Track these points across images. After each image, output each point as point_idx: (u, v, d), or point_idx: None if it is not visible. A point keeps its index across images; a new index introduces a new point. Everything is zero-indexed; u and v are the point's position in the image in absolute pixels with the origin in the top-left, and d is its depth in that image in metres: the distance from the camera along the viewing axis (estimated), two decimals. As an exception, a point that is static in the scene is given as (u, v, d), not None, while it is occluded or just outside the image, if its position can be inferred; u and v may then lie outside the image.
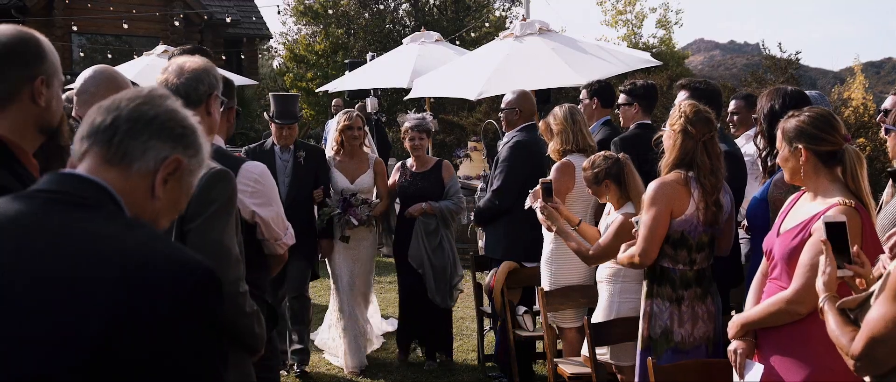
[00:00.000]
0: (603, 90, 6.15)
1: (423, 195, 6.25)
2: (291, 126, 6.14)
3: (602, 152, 4.67)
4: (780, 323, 3.10)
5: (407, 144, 6.42)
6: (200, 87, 2.91)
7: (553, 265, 5.13)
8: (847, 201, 2.96)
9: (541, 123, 5.45)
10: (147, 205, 1.60)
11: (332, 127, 6.61)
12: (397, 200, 6.59)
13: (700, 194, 3.77)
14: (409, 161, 6.52)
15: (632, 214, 4.28)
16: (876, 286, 2.37)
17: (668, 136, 3.86)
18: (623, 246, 4.04)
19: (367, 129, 6.55)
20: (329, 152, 6.52)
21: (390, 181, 6.57)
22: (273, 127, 6.16)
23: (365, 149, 6.49)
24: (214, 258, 2.72)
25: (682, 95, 4.65)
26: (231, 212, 2.80)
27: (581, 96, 6.17)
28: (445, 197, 6.29)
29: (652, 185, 3.81)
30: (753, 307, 3.26)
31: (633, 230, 4.03)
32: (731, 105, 5.87)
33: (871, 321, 2.26)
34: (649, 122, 5.63)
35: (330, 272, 6.48)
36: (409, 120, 6.48)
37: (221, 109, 3.08)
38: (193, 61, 2.98)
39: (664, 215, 3.73)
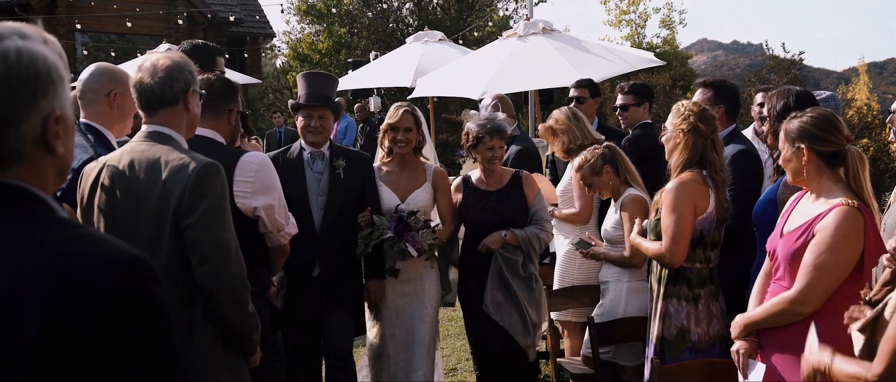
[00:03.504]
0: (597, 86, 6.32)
1: (502, 221, 4.59)
2: (323, 114, 4.46)
3: (588, 148, 4.81)
4: (782, 324, 3.10)
5: (483, 155, 4.63)
6: (176, 84, 2.88)
7: (558, 265, 5.15)
8: (850, 201, 2.96)
9: (541, 128, 5.50)
10: (51, 171, 1.46)
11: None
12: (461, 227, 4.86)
13: (715, 192, 3.78)
14: (476, 175, 4.78)
15: (637, 195, 4.32)
16: (890, 299, 2.36)
17: (675, 136, 3.84)
18: (636, 225, 4.07)
19: (425, 132, 4.85)
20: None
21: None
22: (299, 120, 4.53)
23: (422, 158, 4.80)
24: (215, 254, 2.71)
25: (702, 94, 4.63)
26: (225, 205, 2.79)
27: (577, 94, 6.20)
28: (530, 222, 4.65)
29: (671, 186, 3.79)
30: (756, 308, 3.26)
31: (642, 224, 4.03)
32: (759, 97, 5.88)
33: (892, 337, 2.24)
34: (650, 121, 5.68)
35: (371, 325, 4.73)
36: (480, 121, 4.69)
37: (201, 104, 3.06)
38: (167, 58, 2.95)
39: (690, 215, 3.73)
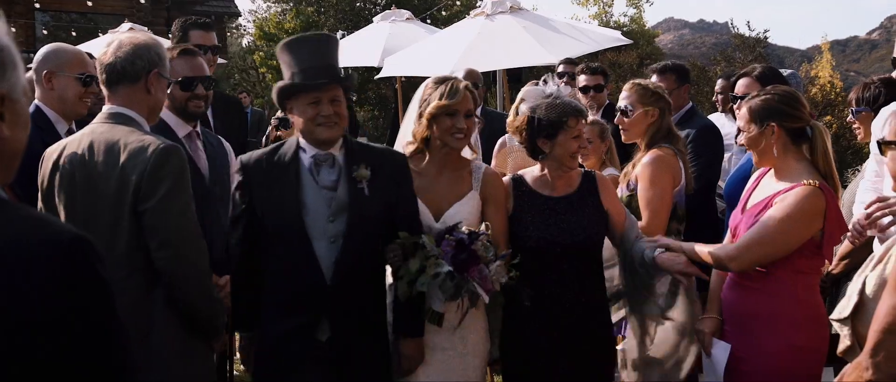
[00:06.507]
0: None
1: (576, 242, 3.29)
2: (336, 96, 3.03)
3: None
4: (704, 261, 3.15)
5: (566, 147, 3.32)
6: (137, 62, 2.84)
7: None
8: (812, 181, 3.00)
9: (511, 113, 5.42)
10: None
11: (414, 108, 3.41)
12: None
13: (684, 165, 3.88)
14: (531, 175, 3.47)
15: (616, 175, 4.38)
16: (868, 279, 2.40)
17: (651, 113, 3.92)
18: None
19: (478, 116, 3.52)
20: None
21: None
22: (296, 114, 3.07)
23: (468, 151, 3.46)
24: (176, 238, 2.67)
25: (666, 80, 4.87)
26: (186, 188, 2.74)
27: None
28: (621, 241, 3.43)
29: (649, 160, 3.84)
30: (702, 247, 3.24)
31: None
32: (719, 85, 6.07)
33: (881, 314, 2.29)
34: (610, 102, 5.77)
35: None
36: (547, 100, 3.34)
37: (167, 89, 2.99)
38: (134, 37, 2.92)
39: (670, 188, 3.81)
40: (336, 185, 3.05)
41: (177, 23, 4.81)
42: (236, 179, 3.16)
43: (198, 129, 3.68)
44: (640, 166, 3.87)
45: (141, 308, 2.64)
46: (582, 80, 5.72)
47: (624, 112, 3.97)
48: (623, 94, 4.02)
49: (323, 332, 3.01)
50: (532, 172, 3.47)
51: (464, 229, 3.04)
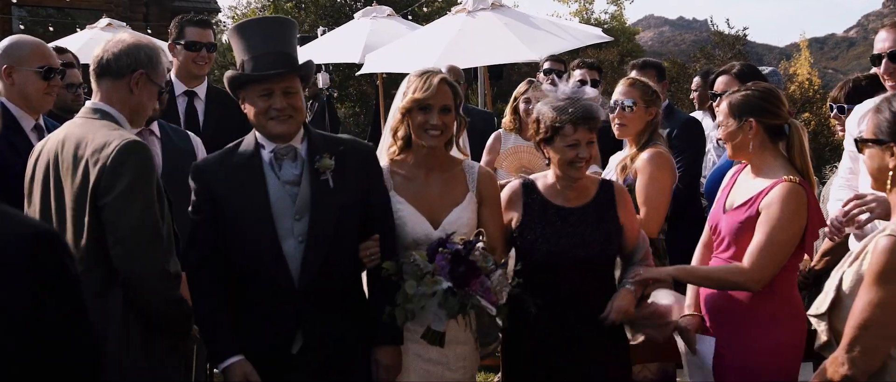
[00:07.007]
0: None
1: (589, 256, 3.12)
2: (290, 87, 2.83)
3: None
4: (722, 287, 3.14)
5: (563, 155, 3.10)
6: (122, 59, 2.82)
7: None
8: (792, 177, 3.01)
9: (508, 111, 5.34)
10: None
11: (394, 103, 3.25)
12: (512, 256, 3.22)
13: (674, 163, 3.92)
14: (544, 181, 3.26)
15: (598, 172, 4.40)
16: (845, 275, 2.43)
17: (650, 111, 3.92)
18: None
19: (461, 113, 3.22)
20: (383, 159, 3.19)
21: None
22: (248, 106, 2.88)
23: (457, 152, 3.26)
24: (132, 236, 2.59)
25: (647, 75, 4.86)
26: (148, 185, 2.67)
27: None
28: (632, 261, 3.24)
29: (650, 156, 3.82)
30: (708, 267, 3.25)
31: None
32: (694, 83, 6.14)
33: (858, 310, 2.33)
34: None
35: None
36: (557, 101, 3.14)
37: (155, 95, 2.94)
38: (133, 36, 2.92)
39: (670, 185, 3.83)
40: (299, 179, 2.86)
41: (174, 21, 4.80)
42: (192, 186, 2.91)
43: (152, 127, 3.68)
44: (641, 161, 3.85)
45: (101, 304, 2.59)
46: (577, 74, 5.64)
47: (624, 108, 3.91)
48: (622, 89, 3.96)
49: (296, 343, 2.83)
50: (545, 178, 3.26)
51: (456, 239, 2.83)
